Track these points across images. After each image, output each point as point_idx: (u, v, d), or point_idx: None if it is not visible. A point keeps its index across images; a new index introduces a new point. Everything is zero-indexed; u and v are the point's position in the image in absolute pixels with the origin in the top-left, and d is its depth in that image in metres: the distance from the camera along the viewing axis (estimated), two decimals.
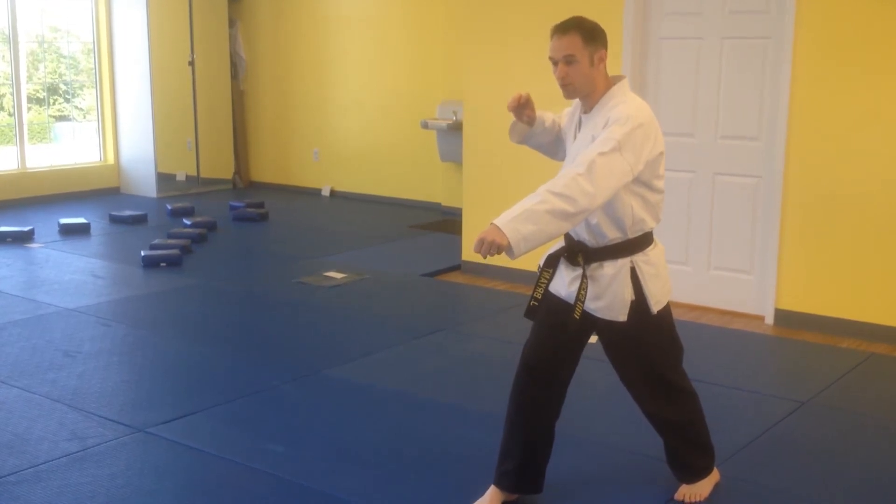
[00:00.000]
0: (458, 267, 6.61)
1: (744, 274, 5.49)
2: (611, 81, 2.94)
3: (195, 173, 9.74)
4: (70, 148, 9.59)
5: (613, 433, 3.75)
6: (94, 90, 9.60)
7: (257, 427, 3.81)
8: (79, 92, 9.78)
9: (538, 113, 3.12)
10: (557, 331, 3.00)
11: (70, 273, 6.31)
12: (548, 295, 3.03)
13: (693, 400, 3.15)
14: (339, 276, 6.23)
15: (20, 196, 8.84)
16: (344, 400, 4.13)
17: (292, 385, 4.29)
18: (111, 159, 9.64)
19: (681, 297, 5.54)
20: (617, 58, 5.51)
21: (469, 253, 6.47)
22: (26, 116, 9.12)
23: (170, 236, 7.24)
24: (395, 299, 5.82)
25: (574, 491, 3.27)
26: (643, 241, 2.97)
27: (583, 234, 2.96)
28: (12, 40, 8.84)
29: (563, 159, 3.15)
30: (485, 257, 2.67)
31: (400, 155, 8.98)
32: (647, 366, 3.06)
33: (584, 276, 2.93)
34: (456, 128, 8.00)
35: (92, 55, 9.52)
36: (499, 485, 3.13)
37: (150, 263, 6.48)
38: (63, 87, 9.68)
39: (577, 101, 3.02)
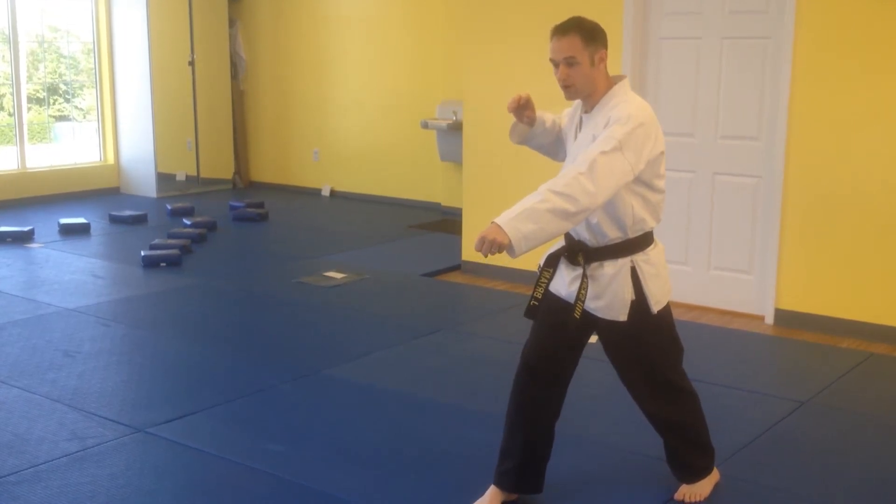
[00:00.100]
0: (458, 267, 6.61)
1: (744, 274, 5.49)
2: (611, 81, 2.94)
3: (195, 173, 9.74)
4: (70, 148, 9.59)
5: (613, 433, 3.75)
6: (94, 90, 9.60)
7: (257, 427, 3.81)
8: (79, 92, 9.78)
9: (538, 113, 3.12)
10: (558, 330, 3.00)
11: (70, 273, 6.31)
12: (548, 295, 3.03)
13: (693, 400, 3.15)
14: (339, 276, 6.23)
15: (20, 196, 8.84)
16: (344, 400, 4.13)
17: (292, 385, 4.29)
18: (111, 159, 9.64)
19: (681, 297, 5.54)
20: (617, 58, 5.51)
21: (469, 253, 6.47)
22: (26, 116, 9.12)
23: (170, 236, 7.24)
24: (395, 299, 5.82)
25: (574, 491, 3.27)
26: (643, 241, 2.97)
27: (583, 234, 2.96)
28: (12, 40, 8.84)
29: (563, 160, 3.15)
30: (486, 256, 2.67)
31: (400, 155, 8.98)
32: (648, 366, 3.06)
33: (584, 276, 2.93)
34: (456, 128, 8.00)
35: (92, 55, 9.52)
36: (499, 484, 3.13)
37: (150, 263, 6.48)
38: (63, 87, 9.68)
39: (577, 101, 3.02)
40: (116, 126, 9.55)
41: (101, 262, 6.70)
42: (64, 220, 7.77)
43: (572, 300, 2.94)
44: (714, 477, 3.26)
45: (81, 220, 7.83)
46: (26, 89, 9.16)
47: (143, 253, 6.59)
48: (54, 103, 9.65)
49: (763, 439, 3.73)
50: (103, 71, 9.48)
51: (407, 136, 8.84)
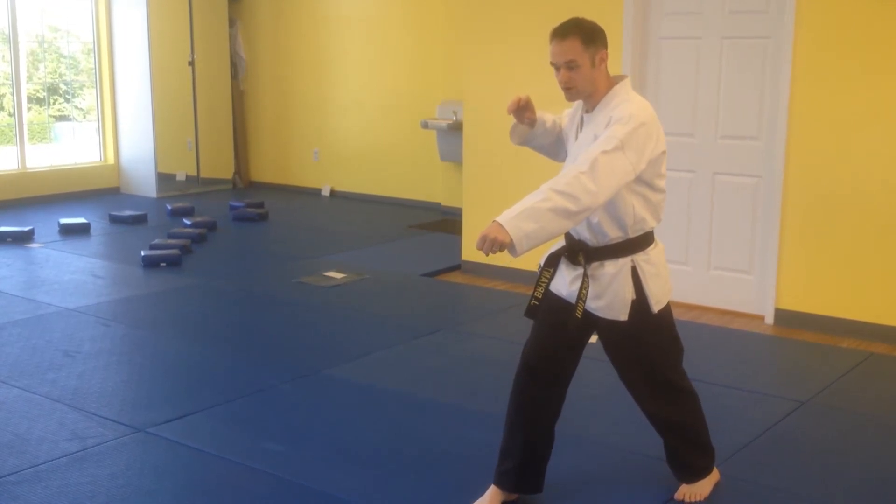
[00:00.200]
0: (458, 267, 6.61)
1: (744, 274, 5.49)
2: (613, 81, 2.94)
3: (195, 173, 9.74)
4: (70, 148, 9.59)
5: (613, 433, 3.75)
6: (94, 90, 9.60)
7: (257, 427, 3.81)
8: (79, 92, 9.78)
9: (538, 114, 3.12)
10: (558, 330, 3.00)
11: (70, 273, 6.31)
12: (548, 294, 3.03)
13: (693, 400, 3.15)
14: (339, 276, 6.23)
15: (20, 196, 8.84)
16: (344, 400, 4.13)
17: (292, 385, 4.29)
18: (111, 159, 9.64)
19: (681, 297, 5.54)
20: (617, 58, 5.50)
21: (469, 253, 6.47)
22: (26, 116, 9.12)
23: (170, 236, 7.24)
24: (395, 299, 5.82)
25: (574, 491, 3.27)
26: (644, 241, 2.97)
27: (584, 234, 2.96)
28: (12, 40, 8.84)
29: (564, 160, 3.15)
30: (487, 255, 2.67)
31: (400, 155, 8.98)
32: (648, 365, 3.06)
33: (585, 276, 2.93)
34: (456, 128, 8.00)
35: (92, 55, 9.52)
36: (499, 484, 3.13)
37: (150, 263, 6.48)
38: (63, 86, 9.68)
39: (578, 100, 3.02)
40: (116, 126, 9.55)
41: (101, 262, 6.70)
42: (64, 220, 7.77)
43: (573, 300, 2.94)
44: (714, 477, 3.26)
45: (81, 220, 7.83)
46: (26, 89, 9.16)
47: (143, 253, 6.59)
48: (54, 103, 9.65)
49: (763, 439, 3.73)
50: (103, 71, 9.48)
51: (407, 136, 8.84)
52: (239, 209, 8.32)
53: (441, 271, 6.54)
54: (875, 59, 4.86)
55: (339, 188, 9.51)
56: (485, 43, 6.20)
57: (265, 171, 10.11)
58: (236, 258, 6.98)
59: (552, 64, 2.90)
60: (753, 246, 5.43)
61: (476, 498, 3.15)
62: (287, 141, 9.85)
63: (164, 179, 9.42)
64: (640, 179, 2.86)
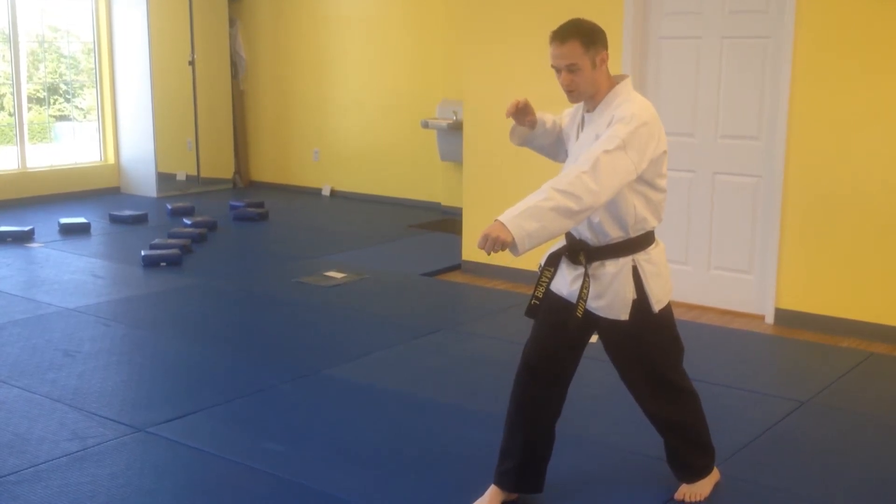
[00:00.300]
0: (458, 266, 6.61)
1: (744, 273, 5.49)
2: (614, 80, 2.94)
3: (195, 173, 9.74)
4: (70, 148, 9.59)
5: (613, 433, 3.75)
6: (94, 90, 9.60)
7: (257, 427, 3.81)
8: (79, 92, 9.78)
9: (538, 115, 3.12)
10: (558, 330, 3.00)
11: (70, 273, 6.31)
12: (549, 294, 3.03)
13: (694, 400, 3.15)
14: (339, 275, 6.23)
15: (20, 196, 8.84)
16: (344, 400, 4.13)
17: (292, 385, 4.29)
18: (111, 159, 9.64)
19: (681, 297, 5.54)
20: (617, 57, 5.50)
21: (469, 252, 6.47)
22: (26, 116, 9.12)
23: (170, 236, 7.24)
24: (395, 299, 5.82)
25: (574, 491, 3.27)
26: (645, 240, 2.97)
27: (585, 233, 2.96)
28: (12, 40, 8.84)
29: (564, 160, 3.15)
30: (489, 254, 2.67)
31: (400, 155, 8.98)
32: (649, 365, 3.06)
33: (586, 275, 2.93)
34: (456, 127, 8.00)
35: (92, 55, 9.52)
36: (499, 484, 3.13)
37: (150, 263, 6.48)
38: (63, 86, 9.68)
39: None
40: (117, 126, 9.55)
41: (101, 261, 6.70)
42: (64, 220, 7.77)
43: (573, 299, 2.94)
44: (714, 477, 3.26)
45: (81, 219, 7.83)
46: (26, 89, 9.16)
47: (143, 253, 6.59)
48: (54, 103, 9.65)
49: (763, 439, 3.73)
50: (103, 71, 9.48)
51: (407, 136, 8.84)
52: (239, 209, 8.32)
53: (441, 271, 6.54)
54: (875, 59, 4.86)
55: (340, 188, 9.51)
56: (485, 43, 6.20)
57: (265, 170, 10.11)
58: (236, 258, 6.99)
59: (553, 67, 2.90)
60: (753, 246, 5.43)
61: (476, 498, 3.15)
62: (287, 141, 9.85)
63: (164, 179, 9.43)
64: (641, 179, 2.86)
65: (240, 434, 3.75)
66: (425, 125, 8.42)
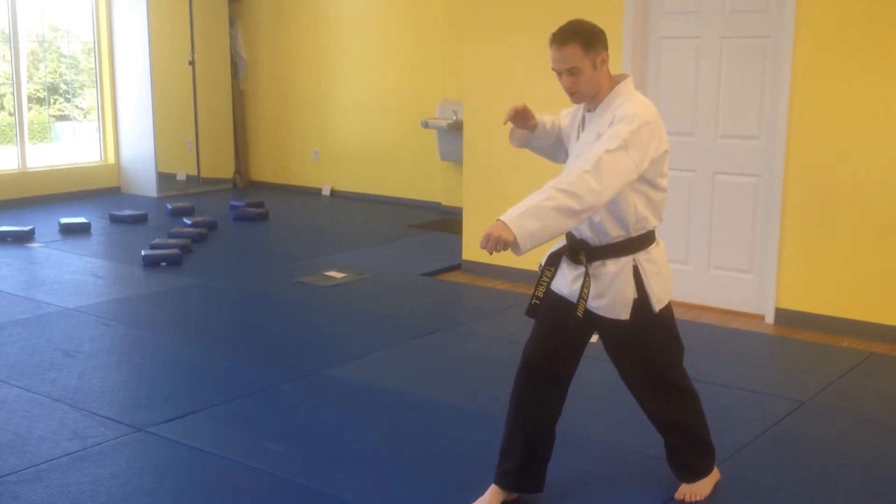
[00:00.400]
0: (458, 266, 6.61)
1: (744, 273, 5.49)
2: (615, 80, 2.94)
3: (195, 173, 9.74)
4: (70, 148, 9.59)
5: (613, 433, 3.75)
6: (94, 90, 9.61)
7: (257, 427, 3.81)
8: (79, 91, 9.79)
9: (538, 117, 3.12)
10: (559, 330, 3.00)
11: (70, 273, 6.31)
12: (549, 294, 3.03)
13: (694, 399, 3.15)
14: (339, 275, 6.23)
15: (20, 196, 8.85)
16: (344, 400, 4.13)
17: (292, 385, 4.29)
18: (111, 159, 9.64)
19: (681, 297, 5.54)
20: (617, 58, 5.50)
21: (469, 252, 6.47)
22: (27, 116, 9.12)
23: (170, 236, 7.24)
24: (395, 299, 5.83)
25: (574, 490, 3.27)
26: (645, 240, 2.97)
27: (585, 233, 2.96)
28: (12, 40, 8.84)
29: (563, 161, 3.15)
30: (491, 253, 2.67)
31: (400, 155, 8.98)
32: (649, 365, 3.06)
33: (586, 275, 2.93)
34: (456, 127, 8.00)
35: (92, 55, 9.52)
36: (499, 484, 3.13)
37: (150, 263, 6.48)
38: (63, 86, 9.68)
39: None
40: (117, 126, 9.55)
41: (101, 261, 6.70)
42: (64, 220, 7.77)
43: (574, 299, 2.94)
44: (714, 476, 3.26)
45: (82, 219, 7.83)
46: (27, 89, 9.16)
47: (143, 252, 6.59)
48: (55, 103, 9.65)
49: (763, 439, 3.73)
50: (103, 71, 9.48)
51: (407, 136, 8.85)
52: (239, 209, 8.32)
53: (441, 271, 6.54)
54: (875, 59, 4.86)
55: (340, 188, 9.51)
56: (485, 43, 6.20)
57: (265, 170, 10.11)
58: (236, 258, 6.99)
59: (554, 69, 2.90)
60: (753, 245, 5.43)
61: (476, 498, 3.15)
62: (287, 141, 9.86)
63: (164, 179, 9.43)
64: (642, 178, 2.86)
65: (240, 434, 3.75)
66: (425, 125, 8.42)
